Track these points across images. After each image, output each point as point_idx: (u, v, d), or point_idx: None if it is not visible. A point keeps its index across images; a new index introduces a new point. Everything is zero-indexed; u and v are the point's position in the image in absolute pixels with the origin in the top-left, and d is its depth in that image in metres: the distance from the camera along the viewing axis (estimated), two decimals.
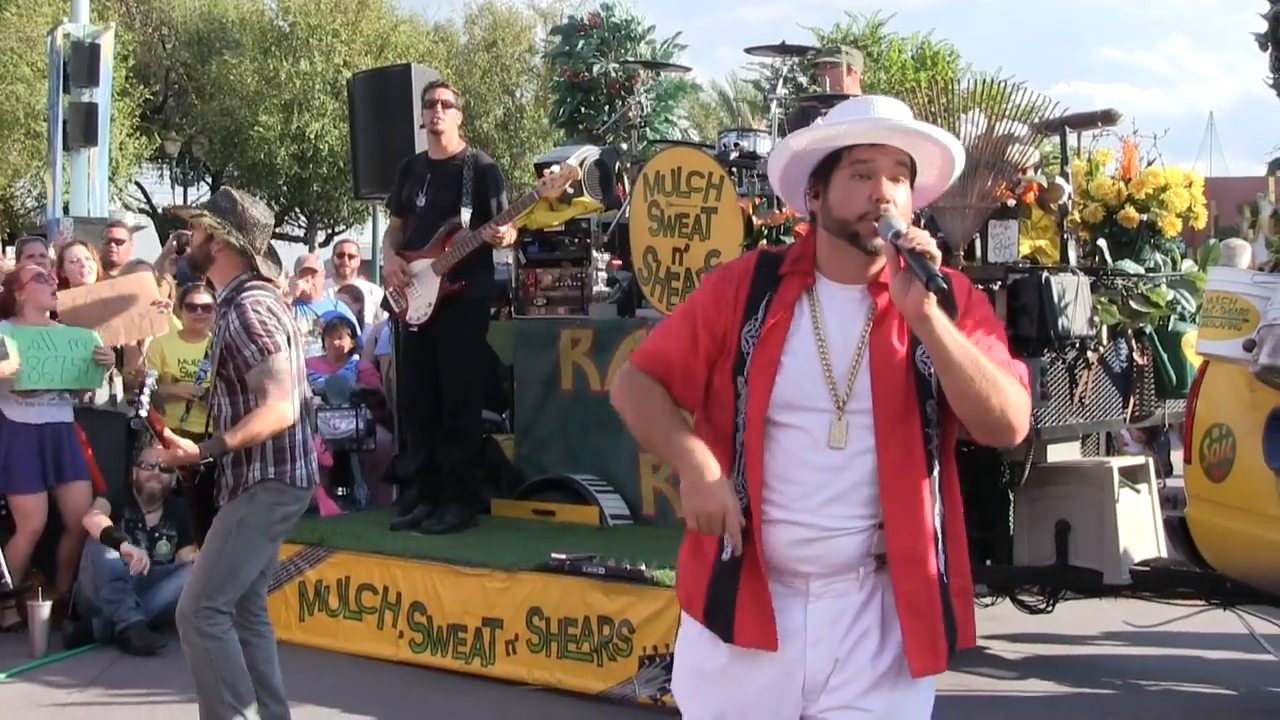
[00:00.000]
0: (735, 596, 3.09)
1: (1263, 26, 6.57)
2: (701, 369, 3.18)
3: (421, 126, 8.65)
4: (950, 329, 2.91)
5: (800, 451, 3.09)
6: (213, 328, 6.35)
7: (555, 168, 8.95)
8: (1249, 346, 6.08)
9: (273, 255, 6.20)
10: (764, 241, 8.56)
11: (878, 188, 3.01)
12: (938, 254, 2.85)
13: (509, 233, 8.45)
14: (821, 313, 3.13)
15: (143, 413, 5.59)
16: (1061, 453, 7.74)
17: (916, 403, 3.09)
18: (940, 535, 3.13)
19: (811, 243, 3.21)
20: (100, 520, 8.27)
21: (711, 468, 3.04)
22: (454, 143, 8.55)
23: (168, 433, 5.60)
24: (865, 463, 3.08)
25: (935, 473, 3.13)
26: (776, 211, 8.55)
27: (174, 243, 10.01)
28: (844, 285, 3.14)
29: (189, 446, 5.64)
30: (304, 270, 11.62)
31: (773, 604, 3.07)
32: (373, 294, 11.77)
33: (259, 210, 6.03)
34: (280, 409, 5.61)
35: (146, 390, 5.89)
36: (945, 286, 2.82)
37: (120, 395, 9.38)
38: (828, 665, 3.09)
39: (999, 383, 2.97)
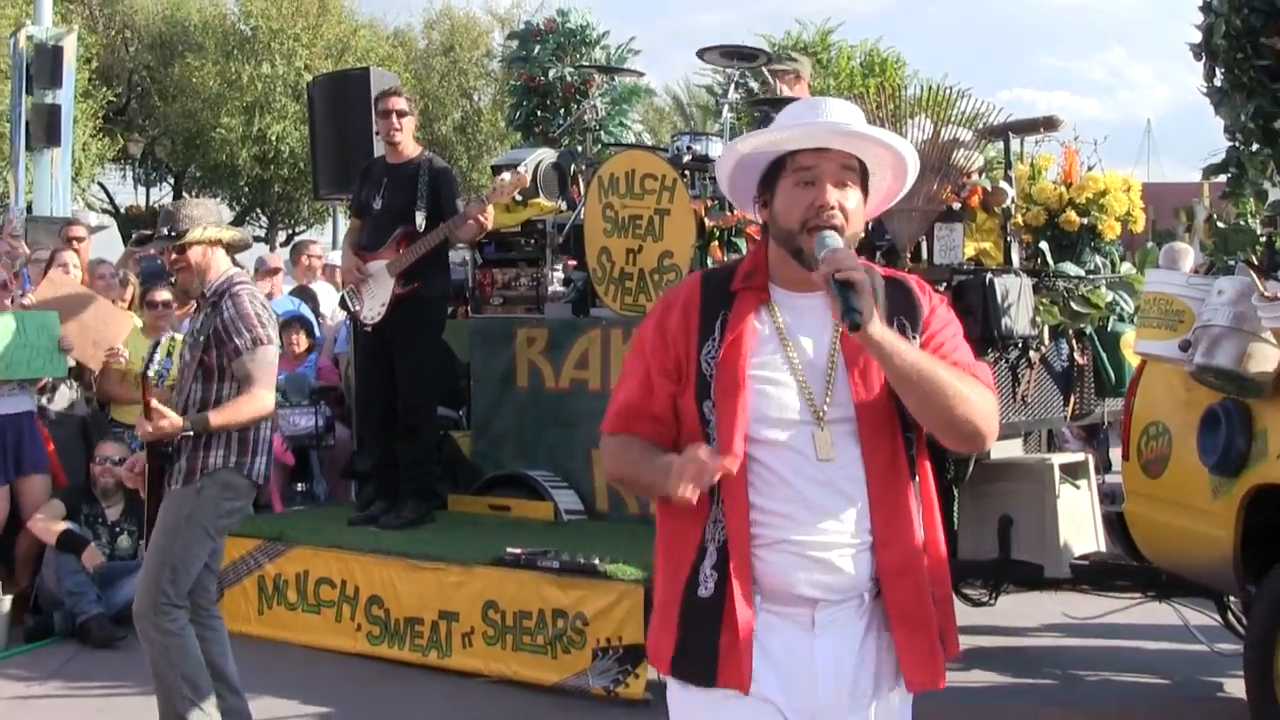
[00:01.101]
0: (715, 635, 2.88)
1: (1197, 37, 6.62)
2: (663, 409, 3.01)
3: (377, 134, 8.67)
4: (899, 348, 2.81)
5: (787, 469, 2.90)
6: (174, 324, 6.35)
7: (505, 175, 8.99)
8: (1185, 347, 6.11)
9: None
10: (715, 243, 8.60)
11: (821, 194, 2.89)
12: (860, 280, 2.72)
13: (487, 219, 8.51)
14: (786, 324, 2.99)
15: (150, 371, 5.71)
16: (1004, 450, 7.78)
17: (895, 408, 2.97)
18: (923, 545, 3.01)
19: (764, 254, 3.08)
20: (54, 527, 8.24)
21: (675, 456, 2.87)
22: (410, 147, 8.58)
23: (155, 403, 5.61)
24: (854, 473, 2.93)
25: (917, 479, 3.04)
26: (728, 213, 8.58)
27: (134, 247, 10.03)
28: (804, 294, 2.99)
29: (174, 417, 5.63)
30: (267, 270, 11.63)
31: (759, 640, 2.89)
32: (330, 294, 11.76)
33: (205, 207, 6.15)
34: (264, 397, 5.71)
35: (157, 357, 6.06)
36: (857, 322, 2.69)
37: (79, 396, 9.34)
38: (835, 700, 2.91)
39: (961, 392, 2.88)
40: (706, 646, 2.87)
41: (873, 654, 2.94)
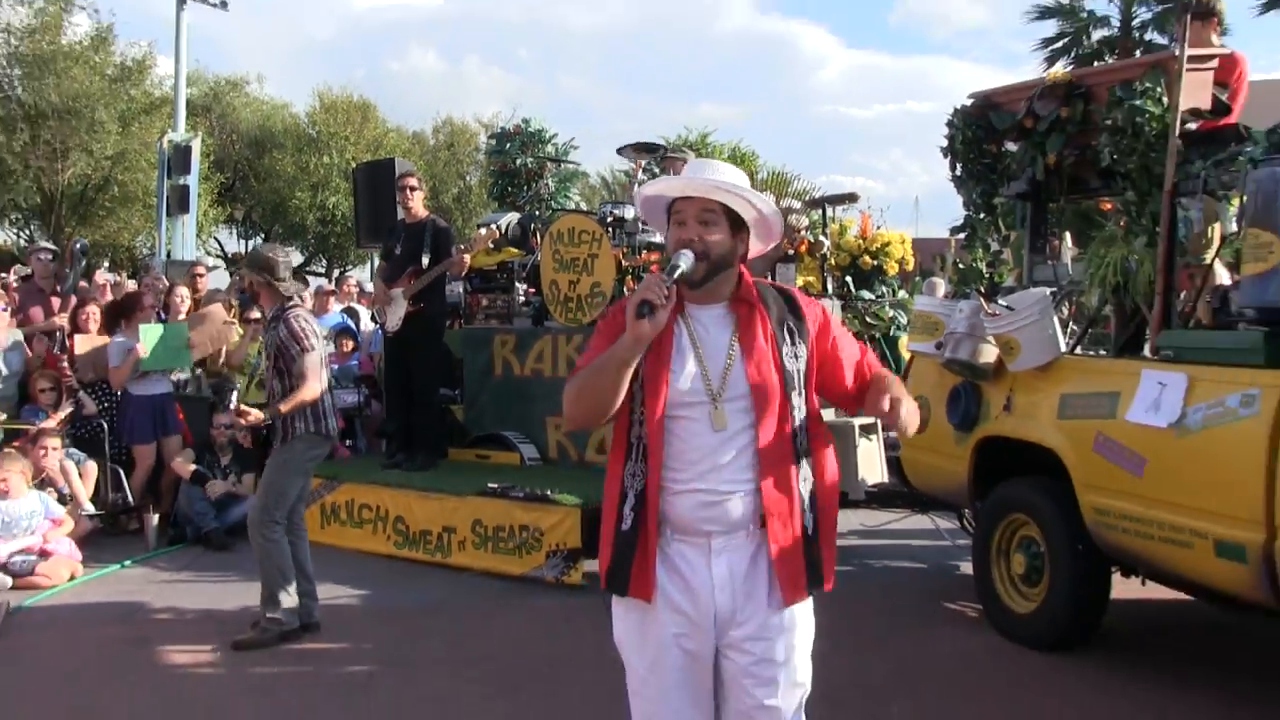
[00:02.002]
0: (631, 558, 2.77)
1: (944, 142, 6.83)
2: None
3: (398, 202, 8.74)
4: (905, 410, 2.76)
5: (692, 436, 2.75)
6: (263, 335, 6.48)
7: (482, 230, 9.14)
8: (939, 346, 6.30)
9: (300, 277, 6.37)
10: (630, 278, 8.74)
11: (685, 233, 2.75)
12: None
13: (466, 260, 8.56)
14: (695, 329, 2.80)
15: (231, 405, 6.07)
16: (823, 415, 7.91)
17: (783, 390, 2.79)
18: (809, 499, 2.83)
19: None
20: (187, 468, 8.41)
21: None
22: (420, 211, 8.52)
23: (243, 407, 6.08)
24: (744, 438, 2.76)
25: (800, 446, 2.82)
26: (637, 256, 8.77)
27: (236, 280, 10.15)
28: (707, 305, 2.83)
29: (258, 414, 6.02)
30: (325, 292, 11.74)
31: (672, 562, 2.78)
32: (365, 312, 11.81)
33: (279, 253, 6.14)
34: (313, 386, 5.79)
35: (235, 394, 6.37)
36: (644, 315, 2.58)
37: (204, 383, 9.48)
38: (731, 605, 2.77)
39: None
40: (625, 567, 2.77)
41: (759, 571, 2.79)
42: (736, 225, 2.83)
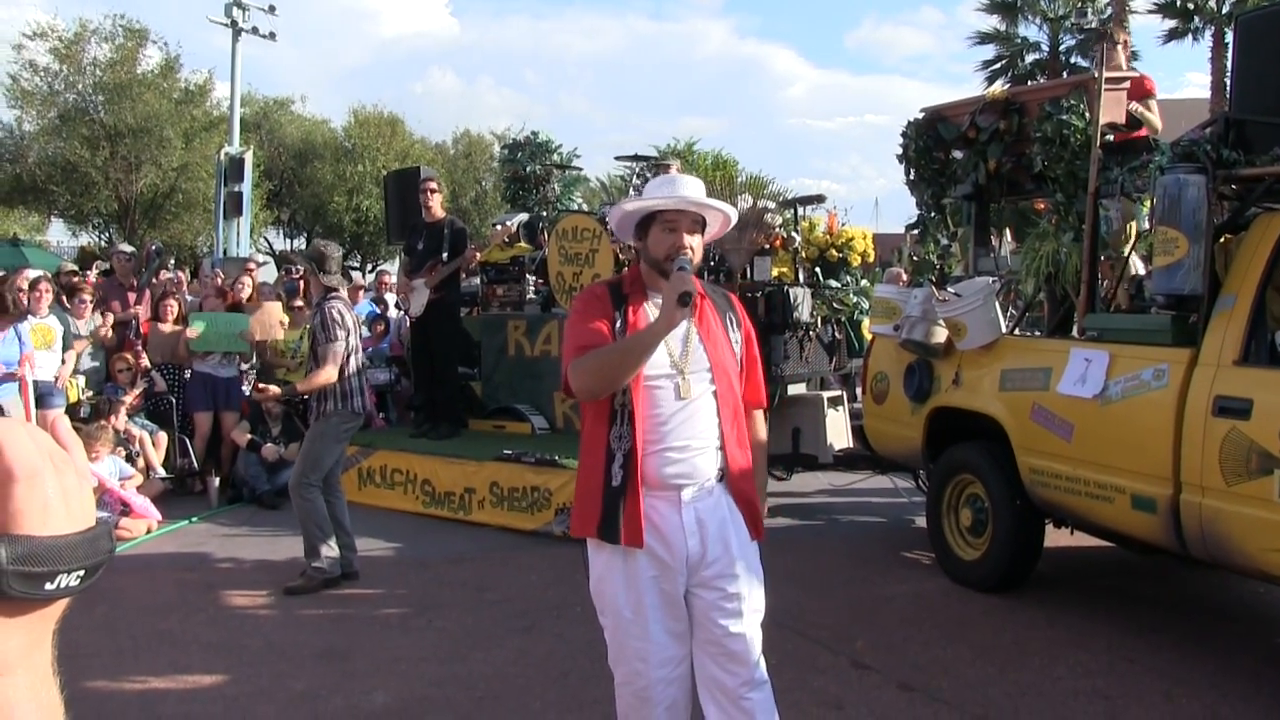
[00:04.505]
0: (620, 510, 2.76)
1: (899, 150, 6.84)
2: (606, 338, 2.80)
3: (421, 204, 8.73)
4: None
5: (662, 402, 2.79)
6: (308, 321, 6.50)
7: (498, 227, 9.15)
8: (897, 329, 6.28)
9: (345, 272, 6.40)
10: (625, 269, 8.74)
11: (679, 239, 2.81)
12: (692, 289, 2.64)
13: (477, 256, 8.66)
14: (655, 315, 2.81)
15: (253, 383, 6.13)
16: (795, 388, 7.91)
17: (735, 364, 2.92)
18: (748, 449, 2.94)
19: (638, 271, 2.95)
20: (244, 436, 8.46)
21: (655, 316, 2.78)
22: (439, 212, 8.52)
23: (260, 385, 6.36)
24: (706, 404, 2.83)
25: (742, 411, 2.93)
26: (632, 251, 8.76)
27: (283, 274, 10.20)
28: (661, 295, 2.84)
29: (275, 389, 6.23)
30: (357, 286, 11.77)
31: (646, 514, 2.76)
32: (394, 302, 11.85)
33: (331, 249, 6.15)
34: (328, 371, 5.79)
35: (254, 373, 6.41)
36: (686, 301, 2.62)
37: (259, 366, 9.51)
38: (700, 549, 2.79)
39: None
40: (616, 519, 2.76)
41: (722, 518, 2.83)
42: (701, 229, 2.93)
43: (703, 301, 2.91)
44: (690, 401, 2.81)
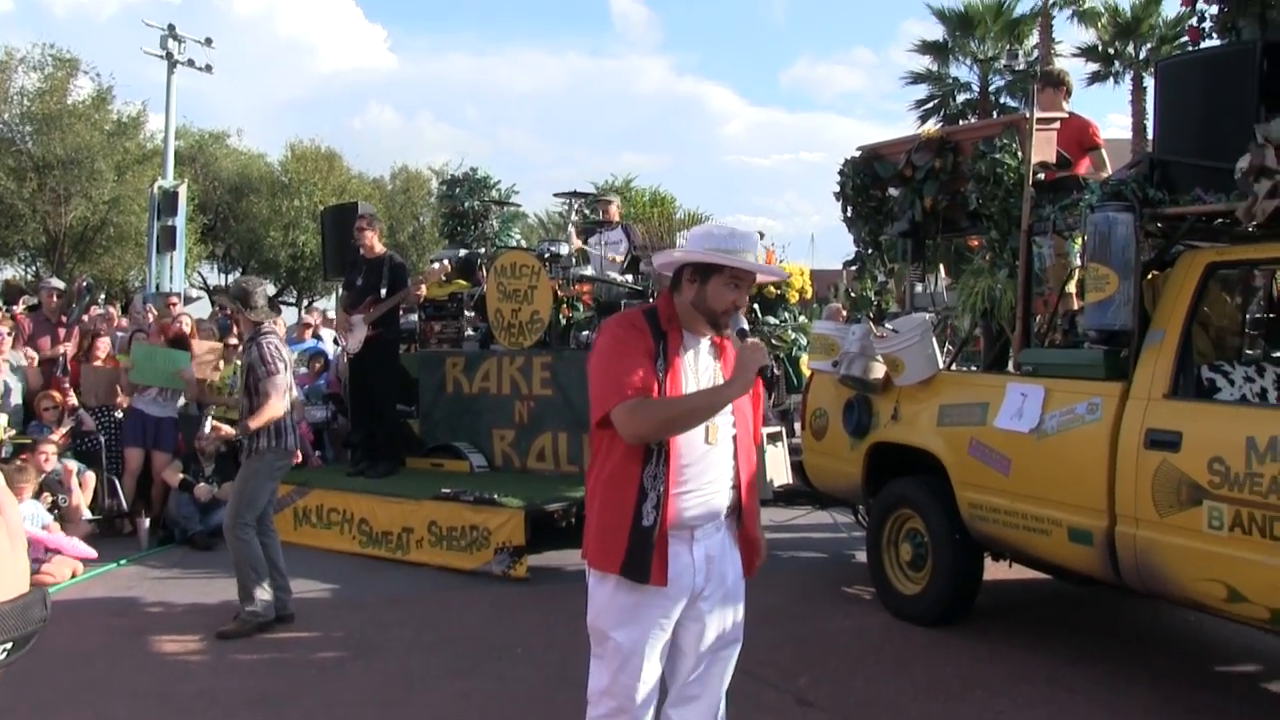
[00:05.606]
0: (651, 551, 2.76)
1: (836, 188, 6.90)
2: (651, 385, 2.77)
3: (353, 241, 8.66)
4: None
5: (690, 447, 2.81)
6: (239, 358, 6.36)
7: (435, 264, 9.11)
8: (835, 364, 6.29)
9: (274, 306, 6.30)
10: (565, 306, 8.73)
11: (741, 297, 2.82)
12: (771, 365, 2.76)
13: (422, 291, 8.61)
14: (691, 355, 2.88)
15: (206, 427, 5.97)
16: None
17: (749, 408, 2.98)
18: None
19: (671, 308, 2.89)
20: (176, 475, 8.27)
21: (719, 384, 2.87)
22: (377, 248, 8.46)
23: (221, 426, 6.04)
24: (725, 448, 2.88)
25: (753, 452, 3.01)
26: (571, 288, 8.75)
27: (217, 309, 10.08)
28: (697, 336, 2.88)
29: (229, 430, 6.01)
30: (304, 324, 11.65)
31: (669, 551, 2.80)
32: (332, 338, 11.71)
33: (253, 284, 6.06)
34: (276, 405, 5.70)
35: (208, 417, 6.24)
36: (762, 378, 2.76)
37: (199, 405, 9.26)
38: (703, 584, 2.86)
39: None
40: (645, 558, 2.76)
41: (723, 555, 2.91)
42: None
43: (726, 345, 2.96)
44: (715, 447, 2.87)
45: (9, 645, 0.60)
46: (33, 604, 0.60)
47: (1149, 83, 19.76)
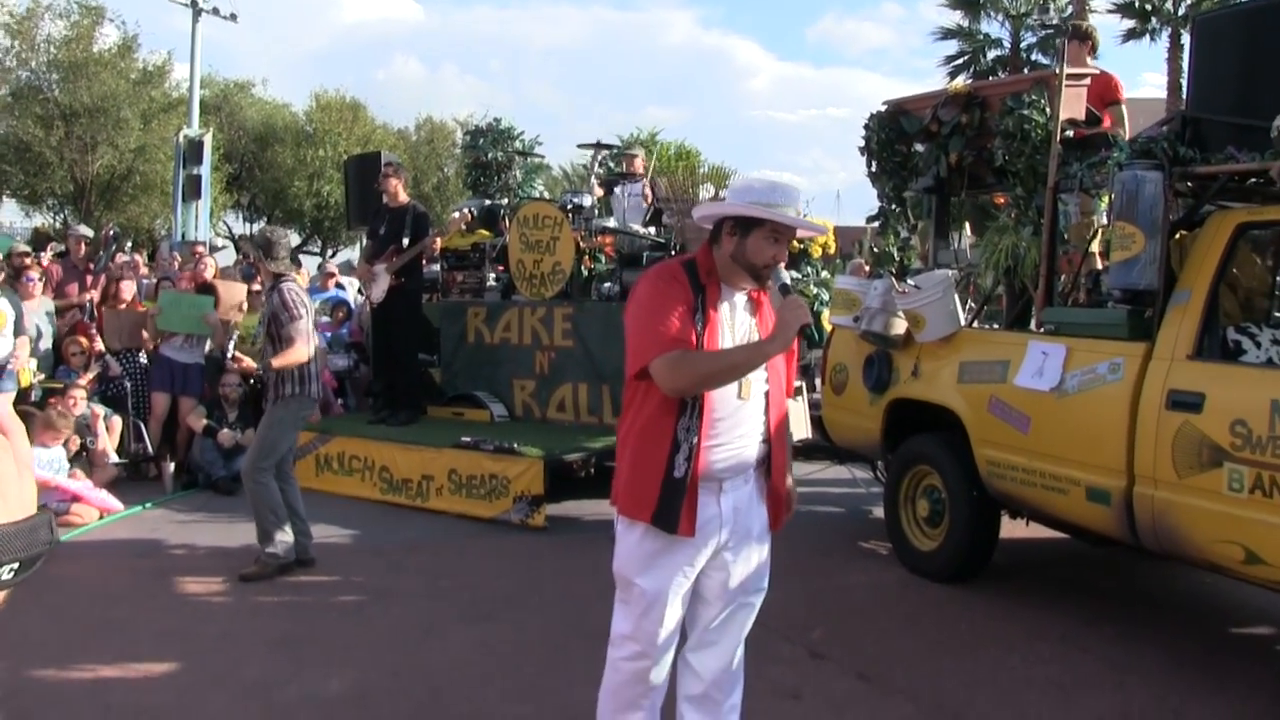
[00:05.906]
0: (681, 501, 2.79)
1: (862, 143, 6.83)
2: (691, 336, 2.77)
3: (378, 188, 8.66)
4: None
5: (723, 402, 2.82)
6: (262, 306, 6.40)
7: (456, 214, 9.11)
8: (856, 320, 6.28)
9: (295, 259, 6.31)
10: (587, 258, 8.72)
11: (781, 251, 2.81)
12: (810, 322, 2.75)
13: (438, 242, 8.68)
14: (727, 309, 2.88)
15: (230, 353, 5.98)
16: None
17: (782, 364, 2.98)
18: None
19: (711, 260, 2.88)
20: (200, 421, 8.32)
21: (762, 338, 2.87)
22: (401, 197, 8.43)
23: (242, 358, 6.02)
24: (757, 403, 2.89)
25: (785, 407, 3.02)
26: (592, 239, 8.73)
27: (241, 258, 10.16)
28: (735, 289, 2.88)
29: (250, 362, 6.12)
30: (327, 274, 11.69)
31: (698, 502, 2.82)
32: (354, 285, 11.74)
33: (278, 235, 6.09)
34: (299, 349, 5.74)
35: (232, 343, 6.18)
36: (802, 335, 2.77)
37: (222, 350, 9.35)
38: (729, 536, 2.90)
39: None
40: (674, 509, 2.79)
41: (750, 507, 2.94)
42: None
43: (763, 302, 2.97)
44: (748, 401, 2.88)
45: (15, 566, 0.61)
46: (39, 526, 0.61)
47: (1186, 40, 19.37)
